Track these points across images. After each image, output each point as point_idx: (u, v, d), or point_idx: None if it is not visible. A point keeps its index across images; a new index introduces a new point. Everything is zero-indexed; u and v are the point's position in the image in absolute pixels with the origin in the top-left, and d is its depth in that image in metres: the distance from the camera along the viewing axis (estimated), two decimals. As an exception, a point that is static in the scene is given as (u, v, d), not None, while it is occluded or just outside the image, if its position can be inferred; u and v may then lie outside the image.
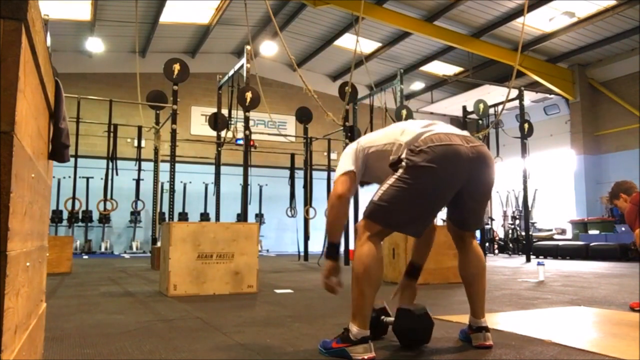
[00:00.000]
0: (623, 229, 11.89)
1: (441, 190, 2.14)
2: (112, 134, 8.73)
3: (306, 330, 2.69)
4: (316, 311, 3.45)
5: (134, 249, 14.05)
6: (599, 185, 14.13)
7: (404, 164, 2.10)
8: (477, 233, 12.75)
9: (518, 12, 11.65)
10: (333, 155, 11.61)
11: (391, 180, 2.12)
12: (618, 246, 10.44)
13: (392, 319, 2.39)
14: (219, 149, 9.76)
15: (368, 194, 2.31)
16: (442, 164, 2.06)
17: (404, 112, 9.35)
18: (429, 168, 2.05)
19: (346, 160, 2.34)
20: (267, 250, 15.24)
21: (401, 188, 2.08)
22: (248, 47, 7.90)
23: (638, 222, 3.52)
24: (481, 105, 11.07)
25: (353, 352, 2.02)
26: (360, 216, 2.30)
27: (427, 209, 2.17)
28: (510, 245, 13.64)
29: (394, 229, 2.22)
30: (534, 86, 14.33)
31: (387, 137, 2.28)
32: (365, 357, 2.00)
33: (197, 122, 15.49)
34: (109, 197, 8.46)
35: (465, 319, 2.40)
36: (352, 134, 9.47)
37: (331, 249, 2.27)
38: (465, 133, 2.25)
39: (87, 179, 12.29)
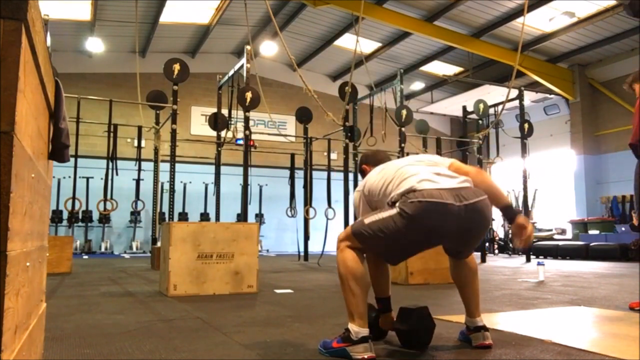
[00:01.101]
0: (623, 229, 11.89)
1: (427, 240, 2.21)
2: (112, 134, 8.72)
3: (306, 330, 2.69)
4: (316, 311, 3.46)
5: (134, 249, 14.04)
6: (599, 185, 14.13)
7: (397, 209, 2.11)
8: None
9: (518, 12, 11.65)
10: (333, 155, 11.61)
11: (385, 215, 2.13)
12: (618, 246, 10.44)
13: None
14: (219, 149, 9.76)
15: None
16: (430, 220, 2.07)
17: (404, 112, 9.36)
18: (417, 220, 2.06)
19: (357, 209, 2.44)
20: (267, 250, 15.24)
21: (390, 226, 2.10)
22: (248, 47, 7.90)
23: None
24: (481, 105, 11.07)
25: (353, 351, 2.03)
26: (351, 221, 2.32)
27: (410, 250, 2.27)
28: (510, 245, 13.63)
29: (373, 254, 2.30)
30: (534, 86, 14.34)
31: (383, 182, 2.28)
32: (366, 357, 2.01)
33: (197, 122, 15.49)
34: (109, 197, 8.45)
35: (465, 319, 2.40)
36: (352, 134, 9.48)
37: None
38: (464, 185, 2.17)
39: (87, 179, 12.28)
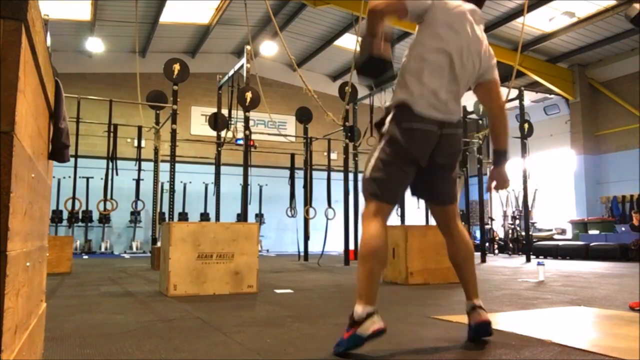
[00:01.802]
0: (623, 229, 11.89)
1: (412, 161, 2.26)
2: (112, 134, 8.73)
3: (306, 330, 2.69)
4: (316, 311, 3.45)
5: (134, 249, 14.05)
6: (599, 185, 14.13)
7: (385, 132, 2.28)
8: (477, 233, 12.55)
9: (518, 12, 11.65)
10: (333, 155, 11.61)
11: (375, 153, 2.29)
12: (618, 246, 10.44)
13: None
14: (219, 149, 9.77)
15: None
16: (412, 145, 2.22)
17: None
18: (402, 146, 2.22)
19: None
20: (267, 250, 15.24)
21: (383, 158, 2.25)
22: (248, 47, 7.90)
23: None
24: (481, 105, 11.07)
25: (362, 330, 2.03)
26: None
27: (403, 176, 2.28)
28: (510, 245, 13.64)
29: (386, 200, 2.27)
30: (534, 86, 14.33)
31: (422, 51, 2.29)
32: (375, 329, 2.02)
33: (197, 122, 15.50)
34: (109, 197, 8.46)
35: (465, 318, 2.40)
36: (352, 134, 9.48)
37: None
38: (454, 117, 2.30)
39: (87, 179, 12.29)
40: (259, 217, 15.39)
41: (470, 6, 2.36)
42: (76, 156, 8.33)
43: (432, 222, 2.35)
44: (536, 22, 12.07)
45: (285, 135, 12.54)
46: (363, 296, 2.09)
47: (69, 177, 8.57)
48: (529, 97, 14.25)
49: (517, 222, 13.63)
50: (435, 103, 2.25)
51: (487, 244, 13.15)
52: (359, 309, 2.07)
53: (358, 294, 2.11)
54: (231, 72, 8.94)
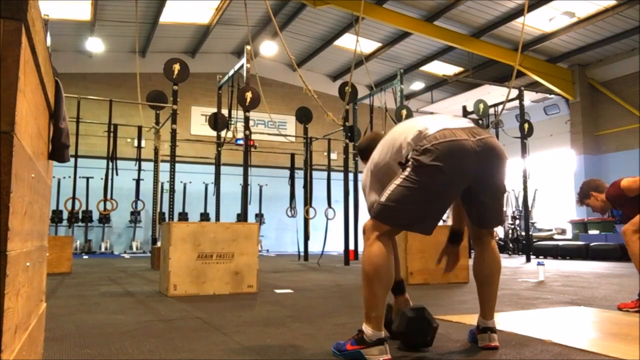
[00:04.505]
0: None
1: (449, 188, 2.09)
2: (112, 134, 8.73)
3: (306, 330, 2.69)
4: (316, 311, 3.45)
5: (134, 249, 14.04)
6: (599, 186, 14.12)
7: (410, 163, 2.06)
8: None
9: (518, 12, 11.65)
10: (333, 155, 11.61)
11: (398, 180, 2.08)
12: (618, 246, 10.43)
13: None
14: (219, 149, 9.77)
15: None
16: (447, 162, 2.00)
17: (404, 112, 9.36)
18: (435, 167, 2.00)
19: (370, 193, 2.28)
20: (267, 250, 15.24)
21: (408, 187, 2.04)
22: (248, 47, 7.91)
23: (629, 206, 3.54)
24: (481, 105, 11.07)
25: (368, 354, 1.98)
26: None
27: (435, 207, 2.11)
28: (510, 245, 13.63)
29: (403, 229, 2.18)
30: (534, 86, 14.33)
31: (388, 146, 2.23)
32: (381, 359, 1.97)
33: (197, 122, 15.50)
34: (109, 197, 8.46)
35: (465, 318, 2.40)
36: (352, 134, 9.48)
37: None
38: (471, 125, 2.16)
39: (87, 179, 12.29)
40: (259, 217, 15.38)
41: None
42: (76, 156, 8.33)
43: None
44: (536, 22, 12.07)
45: (285, 135, 12.54)
46: (371, 319, 2.02)
47: (69, 177, 8.57)
48: (529, 97, 14.25)
49: (517, 222, 13.61)
50: (447, 121, 2.17)
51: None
52: (369, 331, 2.00)
53: (365, 314, 2.04)
54: (231, 72, 8.94)
